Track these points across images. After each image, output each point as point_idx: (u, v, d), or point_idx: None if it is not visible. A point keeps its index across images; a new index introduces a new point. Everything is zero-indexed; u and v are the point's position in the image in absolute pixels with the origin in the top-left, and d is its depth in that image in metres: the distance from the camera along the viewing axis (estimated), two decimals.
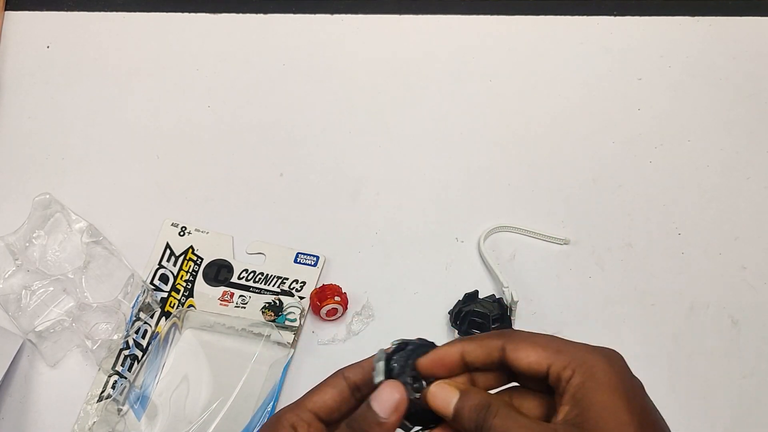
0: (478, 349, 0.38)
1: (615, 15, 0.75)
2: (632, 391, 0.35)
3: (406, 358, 0.38)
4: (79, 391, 0.57)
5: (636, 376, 0.36)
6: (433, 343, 0.39)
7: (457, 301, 0.60)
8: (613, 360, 0.36)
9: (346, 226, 0.64)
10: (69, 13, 0.75)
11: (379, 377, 0.38)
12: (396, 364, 0.38)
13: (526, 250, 0.63)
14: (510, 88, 0.71)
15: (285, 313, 0.60)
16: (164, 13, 0.75)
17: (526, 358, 0.36)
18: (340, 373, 0.40)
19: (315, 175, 0.67)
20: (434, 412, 0.37)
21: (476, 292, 0.60)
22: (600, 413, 0.34)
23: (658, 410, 0.36)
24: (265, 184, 0.66)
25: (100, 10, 0.75)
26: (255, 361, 0.57)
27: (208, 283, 0.61)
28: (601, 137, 0.69)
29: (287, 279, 0.61)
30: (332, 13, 0.75)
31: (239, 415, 0.55)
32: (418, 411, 0.37)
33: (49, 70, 0.72)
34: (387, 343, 0.39)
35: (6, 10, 0.74)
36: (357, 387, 0.39)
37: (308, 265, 0.62)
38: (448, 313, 0.60)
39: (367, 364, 0.39)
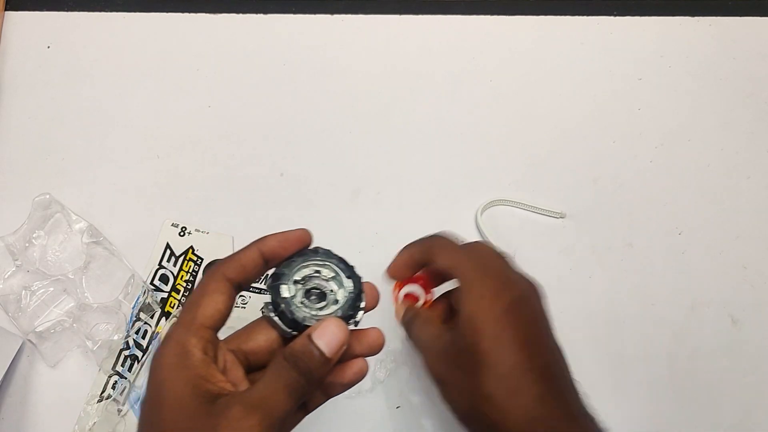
0: (418, 252, 0.47)
1: (615, 15, 0.75)
2: (499, 285, 0.43)
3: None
4: (79, 391, 0.57)
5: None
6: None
7: None
8: (487, 266, 0.44)
9: (346, 226, 0.64)
10: (69, 13, 0.75)
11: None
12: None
13: (528, 256, 0.63)
14: (510, 88, 0.71)
15: None
16: (164, 13, 0.75)
17: (442, 263, 0.45)
18: (220, 274, 0.39)
19: (315, 175, 0.67)
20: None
21: None
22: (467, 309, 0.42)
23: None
24: (265, 184, 0.66)
25: (100, 11, 0.75)
26: None
27: None
28: (602, 137, 0.69)
29: None
30: (332, 13, 0.75)
31: None
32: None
33: (50, 70, 0.72)
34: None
35: (6, 10, 0.74)
36: (239, 285, 0.39)
37: None
38: None
39: (248, 261, 0.39)
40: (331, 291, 0.41)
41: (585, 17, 0.75)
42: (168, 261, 0.62)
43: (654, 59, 0.73)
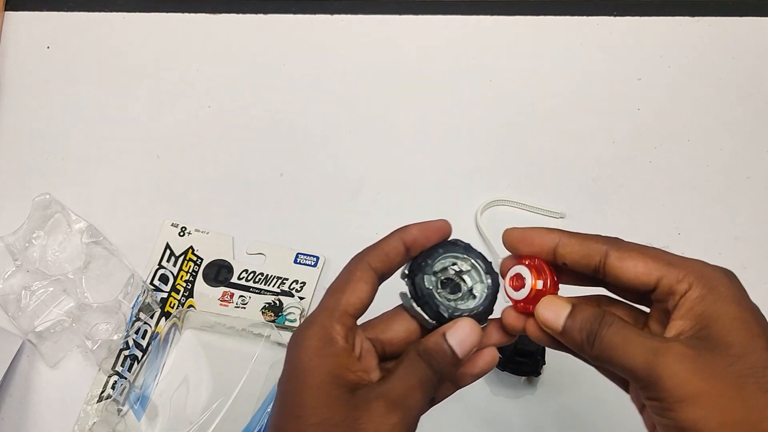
0: (578, 246, 0.36)
1: (615, 15, 0.75)
2: (754, 306, 0.33)
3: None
4: (79, 391, 0.57)
5: None
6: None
7: None
8: (731, 275, 0.34)
9: (346, 226, 0.64)
10: (69, 13, 0.75)
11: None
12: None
13: None
14: (510, 88, 0.71)
15: (285, 313, 0.60)
16: (164, 14, 0.75)
17: (634, 268, 0.34)
18: (365, 263, 0.38)
19: (315, 175, 0.67)
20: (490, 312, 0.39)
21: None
22: (729, 325, 0.32)
23: None
24: (265, 184, 0.66)
25: (100, 11, 0.75)
26: (255, 362, 0.57)
27: (208, 284, 0.61)
28: (601, 137, 0.69)
29: (287, 279, 0.61)
30: (332, 13, 0.75)
31: (239, 416, 0.55)
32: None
33: (50, 70, 0.72)
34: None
35: (6, 10, 0.74)
36: (382, 274, 0.38)
37: (308, 265, 0.62)
38: None
39: (391, 250, 0.38)
40: (467, 284, 0.40)
41: (585, 17, 0.75)
42: (168, 261, 0.62)
43: (654, 59, 0.73)
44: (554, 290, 0.37)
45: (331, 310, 0.37)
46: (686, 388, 0.31)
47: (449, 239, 0.40)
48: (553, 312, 0.36)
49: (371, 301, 0.37)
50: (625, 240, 0.36)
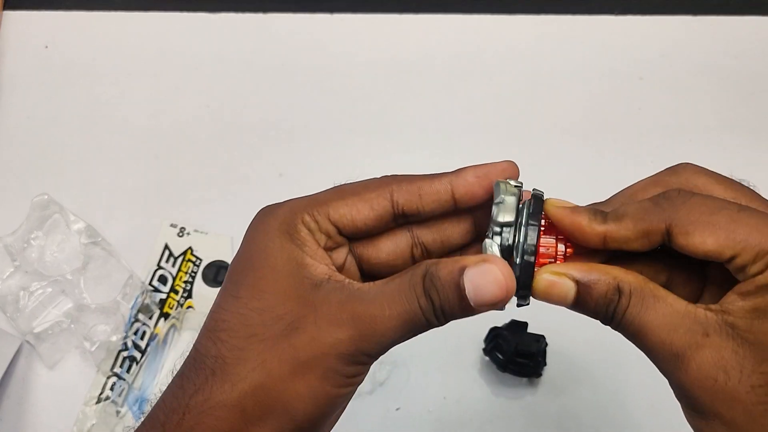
0: (631, 233, 0.29)
1: (616, 14, 0.75)
2: None
3: (535, 232, 0.30)
4: (77, 392, 0.57)
5: None
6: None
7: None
8: None
9: None
10: (67, 12, 0.75)
11: (490, 249, 0.30)
12: (519, 236, 0.30)
13: None
14: (510, 86, 0.71)
15: None
16: (163, 13, 0.75)
17: (702, 245, 0.28)
18: (387, 189, 0.31)
19: (315, 175, 0.67)
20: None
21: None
22: None
23: None
24: (265, 184, 0.66)
25: (98, 10, 0.75)
26: None
27: (207, 284, 0.61)
28: (602, 136, 0.69)
29: None
30: (332, 12, 0.75)
31: None
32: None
33: (48, 70, 0.71)
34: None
35: (4, 9, 0.74)
36: (404, 214, 0.31)
37: None
38: None
39: (428, 192, 0.31)
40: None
41: (586, 16, 0.75)
42: (167, 261, 0.62)
43: (655, 58, 0.73)
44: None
45: (314, 204, 0.31)
46: (706, 406, 0.28)
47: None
48: (558, 293, 0.30)
49: (369, 229, 0.31)
50: (691, 196, 0.30)
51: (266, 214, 0.32)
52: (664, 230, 0.29)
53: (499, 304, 0.28)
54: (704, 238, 0.28)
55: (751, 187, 0.31)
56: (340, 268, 0.32)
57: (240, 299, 0.30)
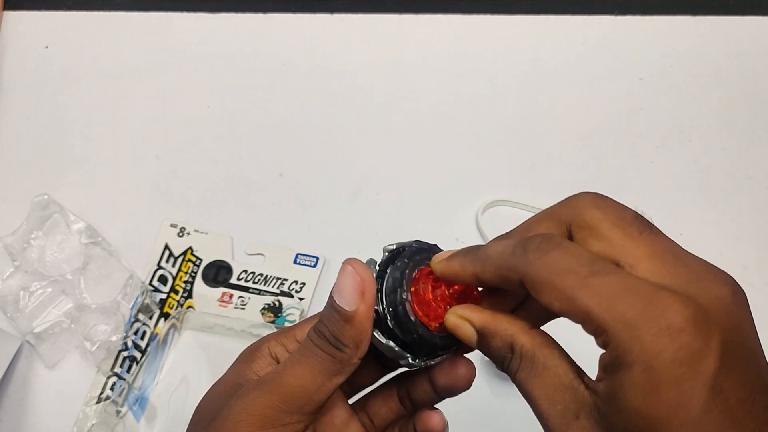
0: (493, 277, 0.29)
1: (616, 14, 0.75)
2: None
3: (403, 269, 0.31)
4: (77, 392, 0.57)
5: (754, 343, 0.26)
6: (435, 245, 0.33)
7: None
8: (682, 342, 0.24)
9: (346, 226, 0.64)
10: (67, 12, 0.75)
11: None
12: (390, 278, 0.31)
13: None
14: (510, 87, 0.71)
15: (284, 314, 0.60)
16: (163, 13, 0.75)
17: (551, 306, 0.26)
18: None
19: (315, 175, 0.67)
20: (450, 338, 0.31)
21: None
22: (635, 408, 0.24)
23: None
24: (265, 184, 0.66)
25: (98, 10, 0.75)
26: None
27: (207, 284, 0.61)
28: (602, 137, 0.69)
29: (287, 280, 0.61)
30: (332, 12, 0.75)
31: None
32: (422, 337, 0.31)
33: (48, 70, 0.71)
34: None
35: (4, 9, 0.74)
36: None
37: (308, 266, 0.62)
38: None
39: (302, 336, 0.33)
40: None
41: (586, 16, 0.75)
42: (167, 261, 0.62)
43: (655, 59, 0.73)
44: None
45: (282, 333, 0.34)
46: None
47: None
48: (465, 334, 0.30)
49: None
50: (548, 250, 0.27)
51: (246, 348, 0.35)
52: (518, 281, 0.27)
53: (364, 295, 0.29)
54: (551, 300, 0.26)
55: (648, 219, 0.29)
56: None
57: (190, 423, 0.33)
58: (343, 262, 0.30)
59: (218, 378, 0.35)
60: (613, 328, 0.25)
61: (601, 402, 0.26)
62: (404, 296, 0.31)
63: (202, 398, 0.34)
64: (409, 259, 0.32)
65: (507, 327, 0.29)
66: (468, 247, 0.31)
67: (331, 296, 0.30)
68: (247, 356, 0.34)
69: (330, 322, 0.30)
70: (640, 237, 0.28)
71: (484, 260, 0.29)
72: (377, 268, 0.32)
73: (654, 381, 0.24)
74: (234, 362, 0.34)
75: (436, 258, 0.32)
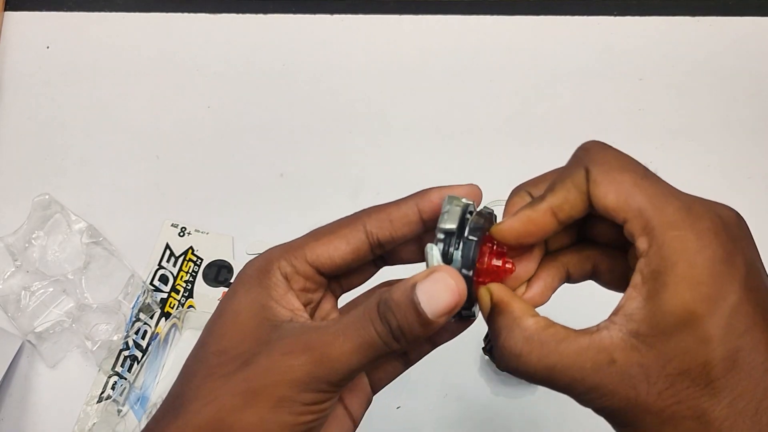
0: (566, 201, 0.30)
1: (615, 15, 0.75)
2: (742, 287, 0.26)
3: (472, 246, 0.30)
4: (78, 392, 0.57)
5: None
6: (492, 212, 0.32)
7: None
8: (720, 221, 0.28)
9: None
10: (69, 13, 0.75)
11: (430, 253, 0.30)
12: (457, 250, 0.30)
13: None
14: (510, 88, 0.71)
15: None
16: (164, 14, 0.75)
17: (604, 198, 0.28)
18: (360, 222, 0.32)
19: (315, 175, 0.67)
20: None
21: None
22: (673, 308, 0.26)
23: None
24: (265, 184, 0.66)
25: (99, 11, 0.75)
26: None
27: (208, 284, 0.61)
28: (602, 137, 0.68)
29: None
30: (332, 13, 0.75)
31: None
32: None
33: (49, 70, 0.72)
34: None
35: (6, 10, 0.74)
36: (380, 243, 0.32)
37: None
38: None
39: (398, 217, 0.32)
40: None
41: (585, 17, 0.75)
42: (168, 261, 0.62)
43: (655, 59, 0.73)
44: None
45: (288, 249, 0.32)
46: (620, 419, 0.29)
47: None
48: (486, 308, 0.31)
49: (348, 264, 0.32)
50: (608, 149, 0.31)
51: (247, 264, 0.33)
52: (584, 175, 0.30)
53: (454, 310, 0.28)
54: (607, 191, 0.28)
55: (653, 171, 0.31)
56: (315, 309, 0.33)
57: (204, 345, 0.32)
58: (440, 268, 0.29)
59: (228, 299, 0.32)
60: (661, 227, 0.27)
61: (638, 313, 0.27)
62: (470, 274, 0.30)
63: (216, 316, 0.31)
64: (472, 233, 0.30)
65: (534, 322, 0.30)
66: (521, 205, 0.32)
67: (415, 294, 0.28)
68: (260, 278, 0.31)
69: (403, 317, 0.28)
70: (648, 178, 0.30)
71: (552, 188, 0.31)
72: (442, 245, 0.30)
73: (696, 276, 0.26)
74: (241, 279, 0.32)
75: (504, 225, 0.31)
